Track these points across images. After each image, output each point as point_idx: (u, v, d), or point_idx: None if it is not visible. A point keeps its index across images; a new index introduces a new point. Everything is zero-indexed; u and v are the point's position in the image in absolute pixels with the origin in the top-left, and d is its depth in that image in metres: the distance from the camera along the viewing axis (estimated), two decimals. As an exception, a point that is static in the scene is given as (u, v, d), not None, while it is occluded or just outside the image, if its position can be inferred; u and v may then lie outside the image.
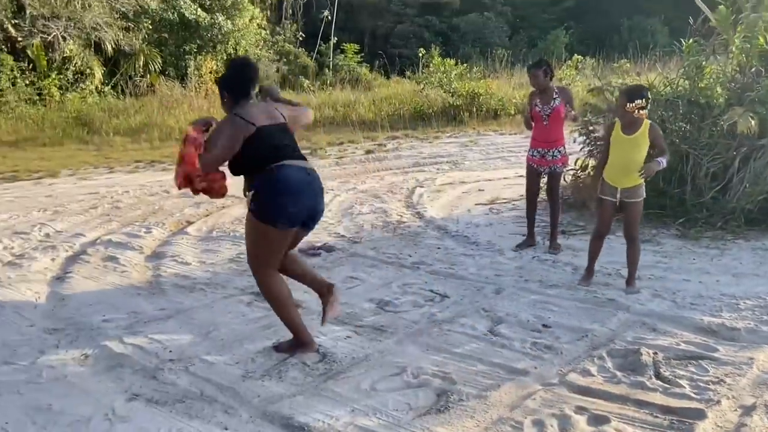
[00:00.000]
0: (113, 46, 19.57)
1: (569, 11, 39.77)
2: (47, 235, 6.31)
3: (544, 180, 5.43)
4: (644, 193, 4.15)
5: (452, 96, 16.22)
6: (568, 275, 4.59)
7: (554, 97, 5.10)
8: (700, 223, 5.41)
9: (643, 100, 3.98)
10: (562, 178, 5.50)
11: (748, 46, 5.41)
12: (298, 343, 3.44)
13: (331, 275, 4.85)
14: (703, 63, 5.81)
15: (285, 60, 29.39)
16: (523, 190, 7.64)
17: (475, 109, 15.83)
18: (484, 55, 28.73)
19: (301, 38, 32.50)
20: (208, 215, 7.37)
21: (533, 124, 5.26)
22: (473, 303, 4.09)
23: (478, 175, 8.97)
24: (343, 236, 6.11)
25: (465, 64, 18.37)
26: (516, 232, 5.90)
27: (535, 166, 5.27)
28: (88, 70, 19.53)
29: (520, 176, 8.69)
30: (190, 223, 7.01)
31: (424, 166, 10.10)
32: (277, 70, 27.06)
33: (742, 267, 4.55)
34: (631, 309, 3.83)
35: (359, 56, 31.10)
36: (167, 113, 16.46)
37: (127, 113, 16.56)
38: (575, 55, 23.77)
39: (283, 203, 3.20)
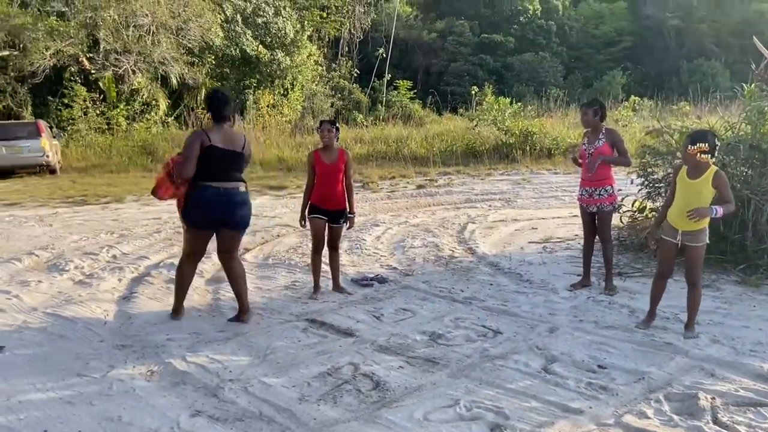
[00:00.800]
0: (178, 79, 20.55)
1: (626, 52, 39.57)
2: (114, 256, 6.64)
3: None
4: (706, 239, 4.09)
5: (505, 134, 16.29)
6: (625, 317, 4.53)
7: (600, 137, 5.13)
8: (761, 270, 5.26)
9: (706, 144, 3.94)
10: (613, 218, 5.45)
11: (815, 91, 5.32)
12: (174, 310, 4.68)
13: (383, 306, 4.94)
14: (766, 108, 5.72)
15: (339, 95, 30.16)
16: (577, 230, 7.69)
17: (528, 148, 15.84)
18: (539, 94, 28.82)
19: (355, 74, 33.32)
20: (264, 243, 7.61)
21: (581, 162, 5.29)
22: (527, 340, 4.09)
23: (531, 214, 8.96)
24: (395, 269, 6.20)
25: (519, 103, 18.48)
26: (570, 271, 5.86)
27: (585, 205, 5.28)
28: (153, 102, 20.55)
29: (575, 216, 8.67)
30: (247, 250, 7.24)
31: (476, 202, 10.14)
32: (332, 105, 27.77)
33: (807, 316, 4.39)
34: (690, 354, 3.76)
35: (412, 93, 31.64)
36: (227, 144, 16.99)
37: (188, 143, 17.21)
38: (632, 96, 23.60)
39: (193, 213, 4.39)
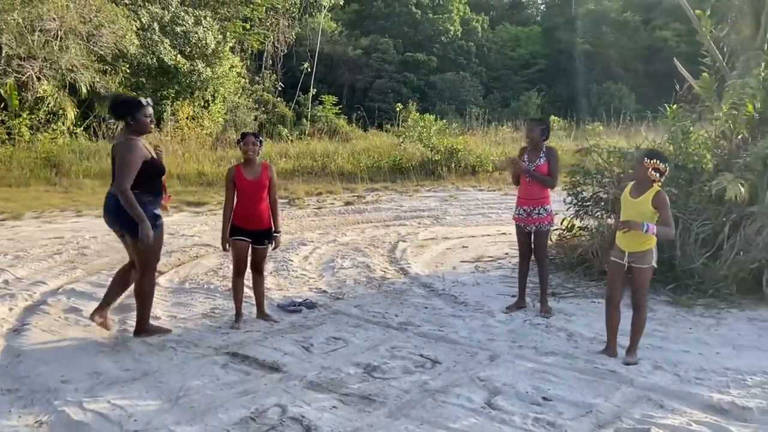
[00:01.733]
0: (88, 88, 19.33)
1: (541, 74, 41.09)
2: (6, 282, 5.90)
3: None
4: (654, 261, 3.98)
5: (431, 151, 16.29)
6: (563, 342, 4.38)
7: (541, 155, 5.02)
8: (691, 289, 5.29)
9: (660, 163, 3.91)
10: (548, 238, 5.34)
11: (735, 112, 5.45)
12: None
13: (313, 335, 4.56)
14: (691, 128, 5.83)
15: (263, 108, 29.53)
16: (507, 248, 7.61)
17: (453, 165, 15.88)
18: (460, 112, 29.32)
19: (280, 88, 32.78)
20: (180, 264, 7.03)
21: (520, 180, 5.16)
22: (467, 370, 3.84)
23: (461, 231, 8.83)
24: (324, 291, 5.83)
25: (443, 120, 18.63)
26: (504, 292, 5.71)
27: (522, 225, 5.13)
28: (60, 111, 19.20)
29: (503, 233, 8.63)
30: (160, 273, 6.64)
31: (406, 219, 9.94)
32: (255, 118, 27.10)
33: (741, 339, 4.39)
34: (635, 382, 3.62)
35: (337, 108, 31.45)
36: (141, 157, 16.10)
37: (98, 156, 16.18)
38: (550, 116, 24.44)
39: None
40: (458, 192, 13.35)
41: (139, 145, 4.25)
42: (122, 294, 4.78)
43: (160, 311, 5.28)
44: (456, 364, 3.94)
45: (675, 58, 7.38)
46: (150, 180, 4.31)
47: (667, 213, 3.88)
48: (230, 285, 5.51)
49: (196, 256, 7.46)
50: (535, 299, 5.31)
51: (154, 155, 4.43)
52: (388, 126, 22.44)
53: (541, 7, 50.80)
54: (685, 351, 4.14)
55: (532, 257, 5.19)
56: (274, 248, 5.04)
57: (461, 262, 6.96)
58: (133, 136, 4.26)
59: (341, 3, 40.57)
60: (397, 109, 21.73)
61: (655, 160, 3.90)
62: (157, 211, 4.41)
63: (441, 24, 42.02)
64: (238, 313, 4.93)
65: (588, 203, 6.22)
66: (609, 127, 21.30)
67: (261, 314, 5.03)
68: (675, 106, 6.60)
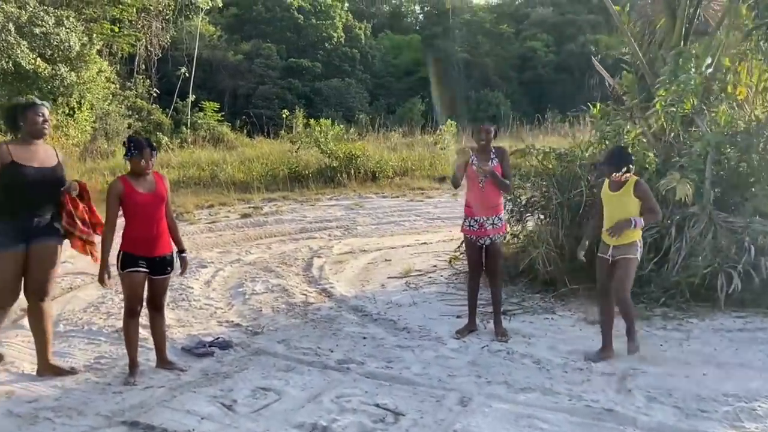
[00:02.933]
0: (-73, 95, 16.70)
1: (422, 81, 41.74)
2: None
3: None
4: (638, 253, 3.97)
5: (329, 157, 15.56)
6: (535, 372, 3.80)
7: (492, 157, 4.44)
8: (641, 298, 4.96)
9: (632, 164, 3.96)
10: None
11: (674, 110, 5.23)
12: None
13: (234, 387, 3.66)
14: (628, 127, 5.57)
15: (137, 116, 27.43)
16: (432, 260, 7.04)
17: (353, 171, 15.25)
18: (347, 119, 28.89)
19: (155, 94, 30.72)
20: (52, 300, 5.74)
21: (468, 186, 4.54)
22: (439, 422, 3.13)
23: (377, 242, 8.15)
24: (238, 325, 4.89)
25: (343, 126, 18.05)
26: (447, 312, 5.08)
27: (474, 238, 4.50)
28: None
29: (423, 243, 8.06)
30: (25, 311, 5.36)
31: (313, 232, 9.10)
32: (129, 126, 25.07)
33: (720, 355, 4.02)
34: (638, 422, 3.09)
35: (220, 115, 29.97)
36: (-5, 171, 14.00)
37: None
38: (435, 122, 24.73)
39: None
40: (362, 200, 12.69)
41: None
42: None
43: (28, 364, 4.13)
44: (422, 415, 3.22)
45: (593, 57, 7.20)
46: (10, 190, 3.67)
47: (651, 198, 3.95)
48: (118, 326, 4.48)
49: (71, 288, 6.20)
50: (484, 319, 4.73)
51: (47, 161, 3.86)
52: (282, 132, 21.46)
53: (420, 17, 51.83)
54: (670, 375, 3.70)
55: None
56: (182, 273, 4.09)
57: (388, 278, 6.27)
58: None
59: (219, 6, 38.86)
60: (284, 115, 20.96)
61: (624, 170, 3.90)
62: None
63: (324, 30, 41.57)
64: (133, 364, 3.90)
65: (527, 208, 5.77)
66: (503, 130, 21.73)
67: (163, 362, 4.03)
68: (598, 105, 6.37)
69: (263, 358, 4.14)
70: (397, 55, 43.94)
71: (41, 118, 3.85)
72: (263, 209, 11.28)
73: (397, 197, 13.04)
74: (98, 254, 3.99)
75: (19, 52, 19.48)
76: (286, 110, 21.64)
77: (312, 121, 16.91)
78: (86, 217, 4.02)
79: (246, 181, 14.45)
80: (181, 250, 4.04)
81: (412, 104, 37.63)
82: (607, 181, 4.04)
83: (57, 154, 4.01)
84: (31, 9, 20.51)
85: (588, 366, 3.84)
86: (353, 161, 15.42)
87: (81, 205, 4.00)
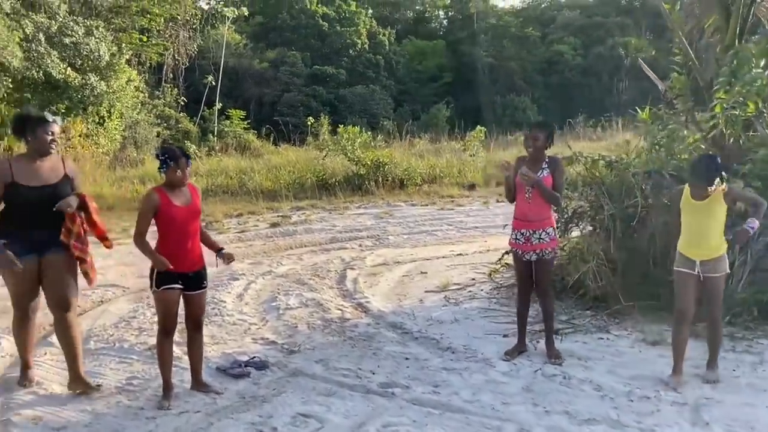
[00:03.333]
0: (-37, 104, 16.98)
1: (447, 87, 41.51)
2: None
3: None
4: (727, 267, 3.70)
5: (356, 164, 15.36)
6: (597, 401, 3.50)
7: (543, 167, 4.15)
8: (701, 317, 4.59)
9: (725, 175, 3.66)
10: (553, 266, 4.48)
11: (735, 113, 4.88)
12: None
13: (273, 413, 3.44)
14: (685, 132, 5.25)
15: (165, 124, 27.69)
16: (470, 272, 6.76)
17: (380, 179, 15.02)
18: (372, 126, 28.75)
19: (182, 103, 31.04)
20: (81, 314, 5.59)
21: (516, 197, 4.25)
22: (500, 457, 2.87)
23: (411, 253, 7.89)
24: (273, 342, 4.68)
25: (371, 132, 17.87)
26: (491, 330, 4.80)
27: (521, 252, 4.22)
28: (-69, 131, 16.69)
29: (459, 254, 7.78)
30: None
31: (344, 242, 8.88)
32: (158, 135, 25.28)
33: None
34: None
35: (246, 123, 30.11)
36: (25, 180, 14.12)
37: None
38: (462, 128, 24.41)
39: None
40: (391, 208, 12.46)
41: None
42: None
43: (57, 385, 3.97)
44: (481, 448, 2.96)
45: (641, 60, 6.87)
46: (10, 208, 3.62)
47: (748, 194, 3.79)
48: (151, 343, 4.30)
49: (101, 301, 6.06)
50: (533, 339, 4.45)
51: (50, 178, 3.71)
52: (309, 139, 21.41)
53: (444, 22, 51.60)
54: (749, 405, 3.38)
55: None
56: (229, 262, 3.89)
57: (426, 292, 6.00)
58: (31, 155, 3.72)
59: (245, 15, 39.15)
60: (309, 123, 20.94)
61: (717, 183, 3.57)
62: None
63: (348, 37, 41.62)
64: (167, 386, 3.71)
65: (573, 218, 5.47)
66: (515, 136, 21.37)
67: (198, 384, 3.83)
68: (649, 108, 6.05)
69: (302, 380, 3.92)
70: (422, 60, 43.75)
71: (50, 137, 3.71)
72: (292, 218, 11.12)
73: (427, 205, 12.78)
74: (93, 274, 3.93)
75: (49, 61, 19.76)
76: (311, 117, 21.59)
77: (340, 128, 16.76)
78: (82, 233, 3.80)
79: (274, 189, 14.33)
80: (219, 249, 3.86)
81: (437, 110, 37.38)
82: (688, 188, 3.73)
83: (65, 166, 3.84)
84: (61, 19, 20.82)
85: (656, 394, 3.54)
86: (381, 169, 15.21)
87: (78, 219, 3.76)
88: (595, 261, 4.88)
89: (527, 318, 4.31)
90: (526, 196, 4.13)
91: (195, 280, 3.69)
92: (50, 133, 3.70)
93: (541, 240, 4.11)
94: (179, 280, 3.61)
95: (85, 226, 3.85)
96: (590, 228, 5.41)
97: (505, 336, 4.60)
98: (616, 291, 4.86)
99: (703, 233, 3.62)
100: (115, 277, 6.97)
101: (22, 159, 3.73)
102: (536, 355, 4.24)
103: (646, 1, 45.26)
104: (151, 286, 3.66)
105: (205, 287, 3.79)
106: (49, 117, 3.77)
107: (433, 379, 3.88)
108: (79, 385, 3.81)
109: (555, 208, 4.52)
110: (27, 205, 3.61)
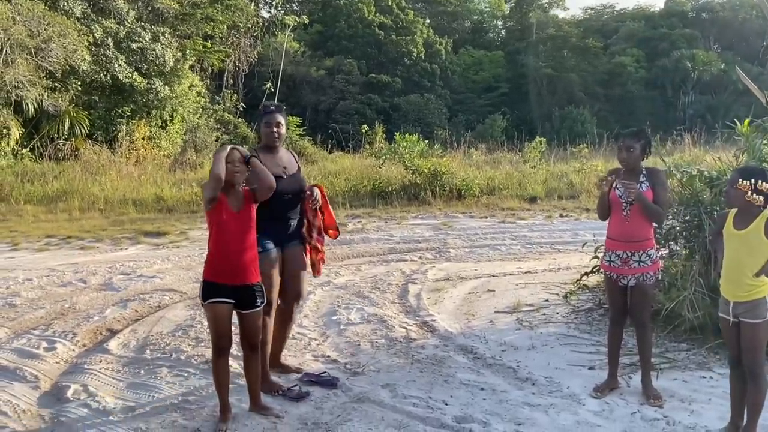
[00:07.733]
0: (35, 106, 17.58)
1: (503, 98, 40.86)
2: None
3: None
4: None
5: (413, 173, 15.04)
6: (709, 451, 3.05)
7: (641, 180, 3.70)
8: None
9: (764, 183, 2.98)
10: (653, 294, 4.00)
11: None
12: None
13: (340, 443, 3.11)
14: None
15: (224, 129, 28.21)
16: (542, 292, 6.30)
17: (437, 189, 14.65)
18: (426, 135, 28.49)
19: (241, 108, 31.60)
20: (137, 320, 5.47)
21: (611, 214, 3.80)
22: None
23: (475, 268, 7.48)
24: (335, 361, 4.38)
25: (426, 141, 17.55)
26: (574, 361, 4.35)
27: (615, 276, 3.77)
28: (4, 131, 17.33)
29: (527, 272, 7.31)
30: (112, 332, 5.10)
31: (403, 253, 8.55)
32: (217, 139, 25.73)
33: None
34: None
35: (301, 129, 30.35)
36: (91, 180, 14.46)
37: (44, 178, 14.46)
38: (514, 139, 23.85)
39: None
40: (449, 219, 12.07)
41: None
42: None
43: (111, 398, 3.76)
44: (580, 505, 2.56)
45: (737, 68, 6.29)
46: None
47: None
48: (208, 355, 4.06)
49: (158, 307, 5.90)
50: (624, 373, 3.98)
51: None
52: (365, 147, 21.31)
53: (502, 32, 50.96)
54: None
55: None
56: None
57: (496, 312, 5.59)
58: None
59: (305, 23, 39.58)
60: (363, 130, 20.89)
61: (753, 180, 2.98)
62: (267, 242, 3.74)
63: (404, 46, 41.55)
64: (224, 408, 3.44)
65: (666, 240, 4.96)
66: (574, 148, 20.60)
67: (256, 407, 3.55)
68: (748, 121, 5.48)
69: (368, 408, 3.59)
70: (478, 70, 43.29)
71: (271, 126, 3.91)
72: (348, 226, 10.87)
73: (486, 218, 12.32)
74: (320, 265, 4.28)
75: (117, 66, 20.35)
76: (365, 125, 21.54)
77: (398, 135, 16.50)
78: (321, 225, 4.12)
79: (329, 196, 14.06)
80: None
81: (492, 120, 36.81)
82: (731, 216, 3.14)
83: (296, 160, 4.09)
84: (128, 25, 21.46)
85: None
86: (438, 178, 14.83)
87: (319, 215, 4.08)
88: (693, 288, 4.37)
89: (619, 350, 3.85)
90: (624, 213, 3.69)
91: (245, 295, 3.39)
92: (268, 123, 3.92)
93: (641, 263, 3.65)
94: (229, 294, 3.34)
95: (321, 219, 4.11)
96: (686, 251, 4.88)
97: (590, 368, 4.15)
98: (716, 323, 4.34)
99: (740, 268, 3.07)
100: (173, 281, 6.85)
101: (260, 150, 3.89)
102: (630, 393, 3.78)
103: (717, 14, 43.51)
104: (200, 299, 3.42)
105: (260, 305, 3.48)
106: (272, 106, 4.04)
107: (515, 415, 3.48)
108: (280, 368, 4.07)
109: (657, 227, 4.05)
110: (278, 193, 3.62)
